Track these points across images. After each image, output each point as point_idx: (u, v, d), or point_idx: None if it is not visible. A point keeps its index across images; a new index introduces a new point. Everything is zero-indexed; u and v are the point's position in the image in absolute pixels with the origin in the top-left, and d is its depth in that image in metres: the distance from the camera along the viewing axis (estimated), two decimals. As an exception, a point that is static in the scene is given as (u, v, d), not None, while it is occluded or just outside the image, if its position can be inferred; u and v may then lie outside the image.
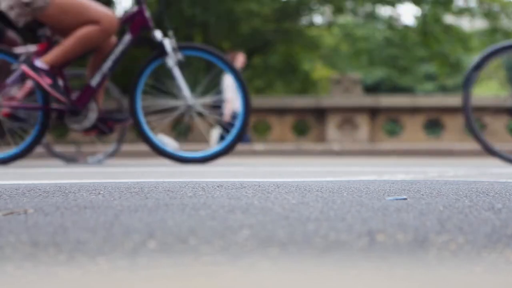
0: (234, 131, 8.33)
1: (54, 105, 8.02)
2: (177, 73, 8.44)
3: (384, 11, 23.53)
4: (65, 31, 7.94)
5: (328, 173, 6.71)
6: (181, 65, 8.33)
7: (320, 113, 16.30)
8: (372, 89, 34.03)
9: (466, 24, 26.49)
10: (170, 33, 8.41)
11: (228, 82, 14.59)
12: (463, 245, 2.21)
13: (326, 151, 12.46)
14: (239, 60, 14.83)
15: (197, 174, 6.47)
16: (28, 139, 8.27)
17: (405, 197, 3.18)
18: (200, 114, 9.29)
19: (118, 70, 16.96)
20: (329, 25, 25.01)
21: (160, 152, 8.57)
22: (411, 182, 4.11)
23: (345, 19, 27.25)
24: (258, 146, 12.81)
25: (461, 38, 22.03)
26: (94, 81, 8.14)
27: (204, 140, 15.87)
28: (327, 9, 23.81)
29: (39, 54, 8.11)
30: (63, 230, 2.38)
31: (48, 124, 8.17)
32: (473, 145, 13.64)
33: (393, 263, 2.02)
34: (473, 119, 8.19)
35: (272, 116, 16.52)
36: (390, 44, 23.65)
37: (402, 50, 23.51)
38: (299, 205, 2.89)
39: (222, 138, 13.33)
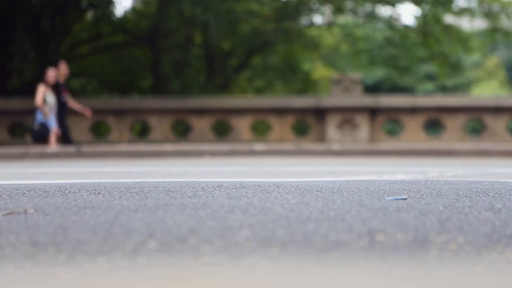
0: None
1: None
2: None
3: (384, 11, 23.51)
4: None
5: (328, 173, 6.70)
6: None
7: (320, 113, 16.28)
8: (372, 89, 34.01)
9: (466, 24, 26.47)
10: None
11: None
12: (463, 245, 2.21)
13: (326, 151, 12.46)
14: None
15: (197, 174, 6.47)
16: None
17: (405, 197, 3.18)
18: None
19: (118, 70, 17.04)
20: (329, 25, 24.98)
21: None
22: (411, 182, 4.11)
23: (345, 19, 27.21)
24: (258, 146, 12.82)
25: (461, 38, 22.00)
26: None
27: (204, 139, 15.87)
28: (327, 9, 23.78)
29: None
30: (63, 230, 2.38)
31: None
32: (473, 145, 13.64)
33: (393, 263, 2.02)
34: None
35: (272, 116, 16.51)
36: (390, 44, 23.63)
37: (402, 50, 23.49)
38: (299, 205, 2.89)
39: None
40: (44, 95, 12.53)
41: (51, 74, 12.77)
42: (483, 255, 2.12)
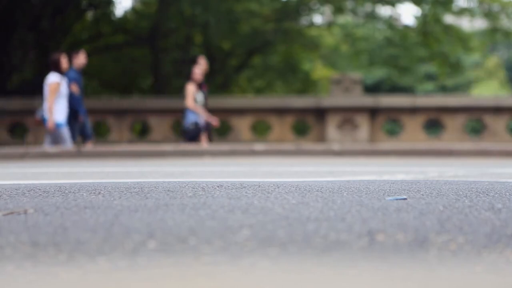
0: None
1: None
2: None
3: (384, 11, 23.48)
4: None
5: (328, 173, 6.70)
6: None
7: (320, 113, 16.29)
8: (372, 89, 34.00)
9: (466, 24, 26.44)
10: None
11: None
12: (463, 245, 2.21)
13: (326, 151, 12.45)
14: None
15: (197, 174, 6.47)
16: None
17: (405, 197, 3.18)
18: None
19: (118, 70, 17.05)
20: (329, 25, 24.96)
21: None
22: (411, 182, 4.11)
23: (345, 19, 27.21)
24: (258, 146, 12.81)
25: (461, 38, 21.97)
26: None
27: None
28: (327, 9, 23.76)
29: None
30: (63, 230, 2.38)
31: None
32: (473, 145, 13.64)
33: (393, 263, 2.02)
34: None
35: (272, 116, 16.52)
36: (390, 44, 23.61)
37: (402, 50, 23.47)
38: (299, 205, 2.89)
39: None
40: (193, 95, 12.34)
41: (197, 71, 12.46)
42: (483, 255, 2.12)
